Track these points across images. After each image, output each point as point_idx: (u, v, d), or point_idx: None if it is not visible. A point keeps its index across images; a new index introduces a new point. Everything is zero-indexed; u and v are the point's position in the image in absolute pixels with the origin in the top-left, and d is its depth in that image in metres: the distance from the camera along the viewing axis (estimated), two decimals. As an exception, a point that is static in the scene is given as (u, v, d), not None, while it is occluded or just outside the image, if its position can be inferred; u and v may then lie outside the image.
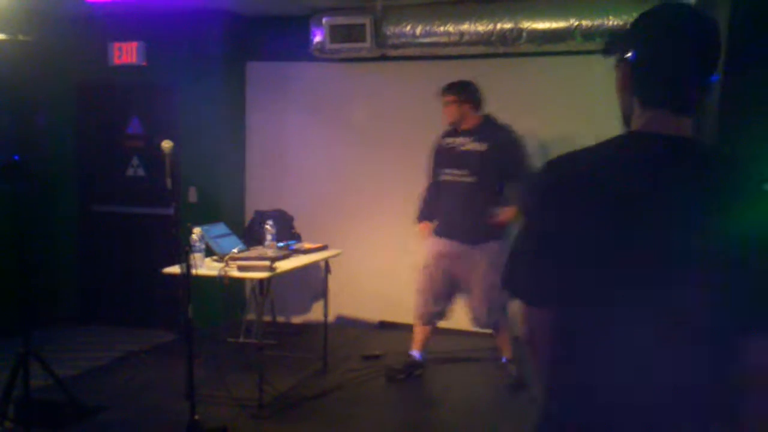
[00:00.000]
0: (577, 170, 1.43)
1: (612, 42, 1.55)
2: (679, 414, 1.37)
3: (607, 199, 1.38)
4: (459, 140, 4.78)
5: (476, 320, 4.84)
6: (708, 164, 1.40)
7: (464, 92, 4.77)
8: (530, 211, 1.49)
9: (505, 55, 5.58)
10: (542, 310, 1.48)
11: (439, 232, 4.85)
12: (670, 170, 1.37)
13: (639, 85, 1.47)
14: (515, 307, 4.69)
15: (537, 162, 4.57)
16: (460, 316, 5.05)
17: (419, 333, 4.98)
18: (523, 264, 1.49)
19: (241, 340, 5.50)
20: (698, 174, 1.37)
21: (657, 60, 1.43)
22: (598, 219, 1.37)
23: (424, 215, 5.01)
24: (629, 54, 1.46)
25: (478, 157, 4.66)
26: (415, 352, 4.99)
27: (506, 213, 4.57)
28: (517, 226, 1.51)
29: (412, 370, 4.96)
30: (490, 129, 4.75)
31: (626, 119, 1.51)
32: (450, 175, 4.76)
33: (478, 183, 4.65)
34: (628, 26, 1.51)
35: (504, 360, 4.93)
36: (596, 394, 1.41)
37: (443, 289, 4.84)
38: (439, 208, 4.87)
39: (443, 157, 4.84)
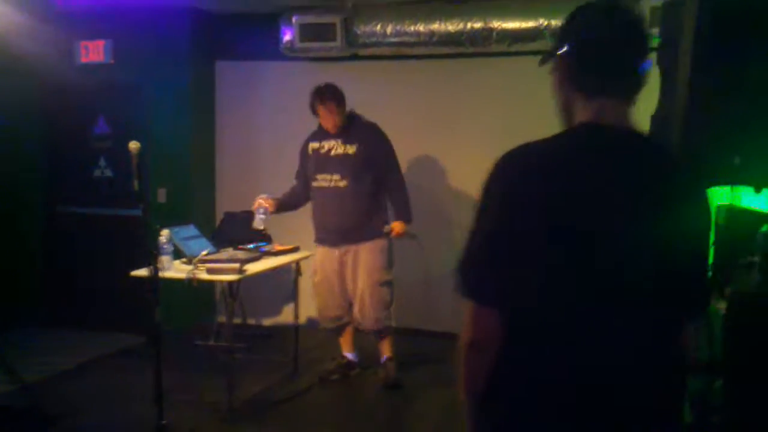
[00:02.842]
0: (532, 166, 1.43)
1: (547, 54, 1.61)
2: (642, 399, 1.43)
3: (563, 194, 1.38)
4: (328, 144, 4.71)
5: (363, 321, 4.80)
6: (656, 160, 1.48)
7: (338, 96, 4.66)
8: (486, 207, 1.45)
9: (475, 54, 5.58)
10: (494, 311, 1.44)
11: (321, 240, 4.82)
12: (627, 166, 1.43)
13: (578, 77, 1.51)
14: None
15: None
16: (436, 318, 5.01)
17: (341, 339, 5.01)
18: (477, 263, 1.44)
19: (211, 342, 5.44)
20: (652, 170, 1.45)
21: (595, 48, 1.49)
22: (556, 214, 1.37)
23: (277, 200, 4.80)
24: (564, 48, 1.52)
25: (350, 160, 4.62)
26: (348, 354, 5.01)
27: (397, 228, 4.68)
28: (471, 222, 1.46)
29: (347, 371, 4.98)
30: (357, 129, 4.71)
31: (567, 116, 1.55)
32: (323, 180, 4.69)
33: (352, 186, 4.60)
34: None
35: (384, 359, 4.91)
36: (563, 389, 1.41)
37: (339, 293, 4.81)
38: (316, 216, 4.82)
39: (313, 163, 4.76)
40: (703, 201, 1.51)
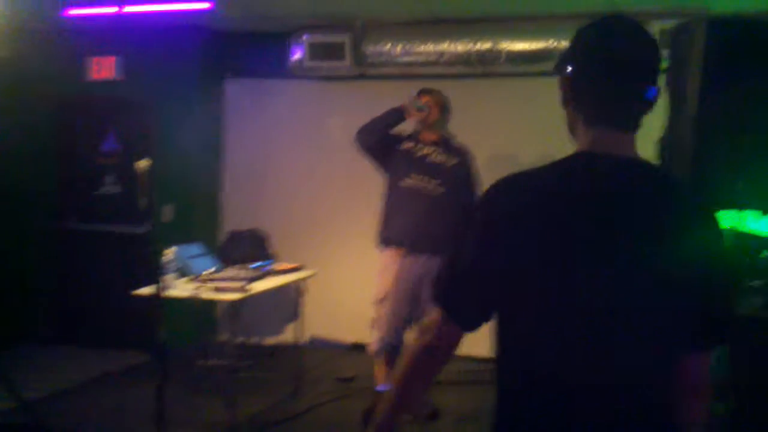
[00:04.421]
0: (526, 194, 1.39)
1: (560, 59, 1.49)
2: (631, 418, 1.37)
3: (556, 225, 1.34)
4: (425, 149, 4.51)
5: None
6: (657, 189, 1.39)
7: (442, 97, 4.58)
8: (471, 231, 1.43)
9: (484, 75, 5.57)
10: (458, 327, 1.47)
11: (401, 243, 4.43)
12: (619, 195, 1.35)
13: (579, 101, 1.43)
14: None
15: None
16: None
17: (381, 368, 4.55)
18: (457, 279, 1.45)
19: (213, 361, 5.40)
20: (647, 199, 1.37)
21: (592, 73, 1.39)
22: (547, 245, 1.34)
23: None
24: (568, 69, 1.42)
25: (450, 170, 4.49)
26: (383, 387, 4.59)
27: None
28: (460, 236, 1.47)
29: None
30: (454, 145, 4.63)
31: (573, 133, 1.48)
32: (419, 182, 4.45)
33: (449, 195, 4.42)
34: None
35: None
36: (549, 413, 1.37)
37: (402, 320, 4.43)
38: (399, 216, 4.46)
39: (405, 161, 4.49)
40: (710, 232, 1.40)
